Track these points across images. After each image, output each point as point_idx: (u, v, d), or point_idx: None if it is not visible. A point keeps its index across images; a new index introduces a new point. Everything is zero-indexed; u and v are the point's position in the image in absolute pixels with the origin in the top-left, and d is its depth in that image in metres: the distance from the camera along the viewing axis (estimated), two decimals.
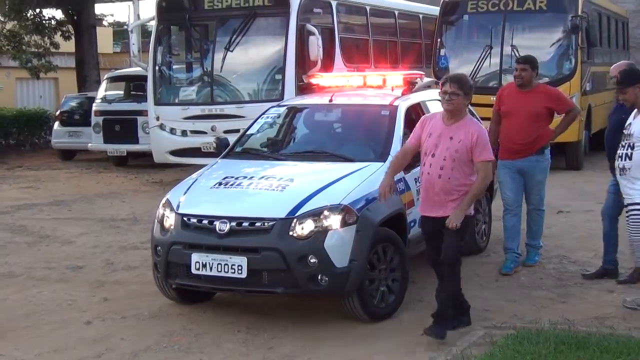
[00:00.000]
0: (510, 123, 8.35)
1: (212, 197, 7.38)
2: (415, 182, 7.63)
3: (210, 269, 6.68)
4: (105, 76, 21.83)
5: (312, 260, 6.52)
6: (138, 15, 28.63)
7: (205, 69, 15.25)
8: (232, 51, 14.67)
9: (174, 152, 15.07)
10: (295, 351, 6.33)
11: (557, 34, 16.64)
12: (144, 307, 7.56)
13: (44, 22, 26.65)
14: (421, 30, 19.68)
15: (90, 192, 15.57)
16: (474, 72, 16.32)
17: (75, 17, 26.21)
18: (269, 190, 7.10)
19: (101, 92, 20.69)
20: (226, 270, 6.62)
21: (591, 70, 17.17)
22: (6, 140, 24.64)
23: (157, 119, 15.26)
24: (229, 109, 14.25)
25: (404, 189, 7.54)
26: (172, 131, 14.91)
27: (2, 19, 26.31)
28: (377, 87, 8.90)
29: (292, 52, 14.16)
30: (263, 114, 9.05)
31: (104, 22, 36.46)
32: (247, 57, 14.83)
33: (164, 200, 7.40)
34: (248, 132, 8.78)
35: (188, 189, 7.52)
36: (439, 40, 17.58)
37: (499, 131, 8.49)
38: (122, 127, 19.17)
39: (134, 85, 20.08)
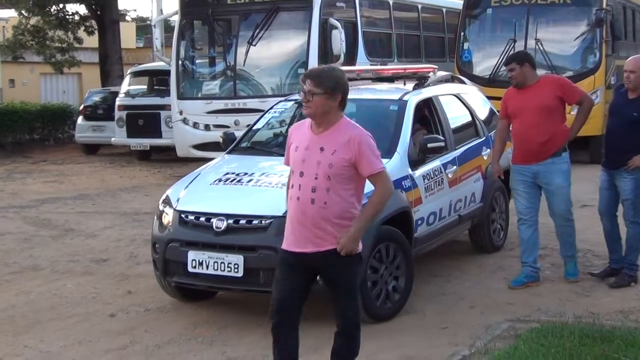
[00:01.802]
0: (521, 123, 7.68)
1: (210, 193, 7.18)
2: (424, 179, 7.47)
3: (207, 267, 6.53)
4: (129, 71, 21.93)
5: None
6: (161, 10, 28.62)
7: (228, 63, 15.31)
8: (254, 45, 14.70)
9: (197, 146, 15.09)
10: (319, 342, 6.25)
11: (581, 28, 16.56)
12: (167, 299, 7.56)
13: (67, 17, 26.81)
14: (444, 23, 19.64)
15: (114, 186, 15.65)
16: (497, 66, 16.24)
17: (99, 12, 26.32)
18: (269, 187, 6.90)
19: (124, 86, 20.78)
20: (222, 268, 6.47)
21: (616, 63, 17.00)
22: (30, 135, 24.76)
23: (180, 113, 15.32)
24: (252, 103, 14.23)
25: (410, 186, 7.27)
26: (195, 125, 14.96)
27: (26, 15, 26.47)
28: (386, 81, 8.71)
29: (315, 46, 14.17)
30: (271, 108, 8.94)
31: (127, 17, 36.51)
32: (269, 51, 14.84)
33: (163, 197, 7.29)
34: (255, 127, 8.62)
35: (188, 185, 7.38)
36: (462, 33, 17.55)
37: (504, 138, 8.05)
38: (145, 121, 19.26)
39: (157, 80, 20.16)
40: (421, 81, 8.50)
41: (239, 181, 7.12)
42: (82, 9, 27.29)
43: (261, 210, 6.58)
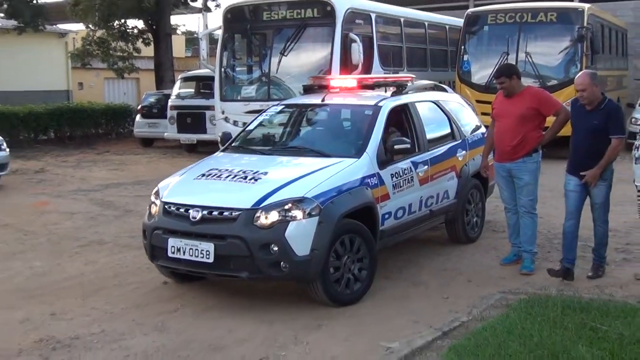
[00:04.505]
0: (500, 125, 7.57)
1: (192, 187, 6.90)
2: (392, 177, 7.17)
3: (184, 253, 6.33)
4: (179, 77, 21.95)
5: (274, 249, 6.04)
6: (206, 25, 28.69)
7: (263, 71, 15.29)
8: (286, 55, 14.69)
9: None
10: (320, 319, 6.16)
11: (565, 43, 16.44)
12: None
13: (128, 30, 26.94)
14: (447, 38, 19.52)
15: (167, 174, 15.30)
16: (491, 76, 16.14)
17: (154, 27, 26.37)
18: (242, 182, 6.63)
19: (175, 90, 20.79)
20: (196, 254, 6.25)
21: None
22: (96, 130, 24.86)
23: (223, 112, 15.34)
24: None
25: (377, 183, 6.93)
26: (235, 123, 14.92)
27: (93, 28, 26.61)
28: (370, 88, 8.42)
29: (337, 56, 14.13)
30: (264, 111, 8.67)
31: (178, 31, 36.55)
32: (298, 60, 14.80)
33: (155, 189, 7.06)
34: (248, 128, 8.33)
35: (177, 178, 7.17)
36: (462, 47, 17.47)
37: (493, 136, 7.81)
38: (192, 119, 19.27)
39: (203, 85, 20.13)
40: (399, 89, 8.17)
41: (219, 176, 6.86)
42: (140, 24, 27.41)
43: (232, 202, 6.32)
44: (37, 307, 6.60)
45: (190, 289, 7.07)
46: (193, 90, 20.92)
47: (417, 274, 7.48)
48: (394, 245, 7.65)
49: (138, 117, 22.28)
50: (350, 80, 8.72)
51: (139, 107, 22.86)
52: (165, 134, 20.22)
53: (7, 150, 14.25)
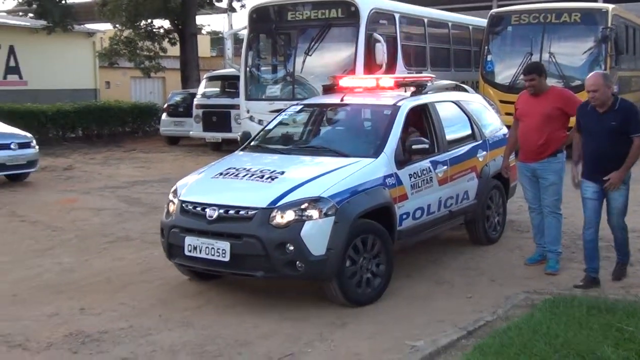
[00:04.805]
0: (524, 125, 7.44)
1: (209, 186, 6.88)
2: (410, 177, 7.06)
3: (200, 251, 6.30)
4: (205, 76, 22.03)
5: (289, 248, 6.00)
6: (231, 25, 28.81)
7: (287, 70, 15.28)
8: (310, 55, 14.66)
9: None
10: (343, 318, 6.12)
11: (589, 43, 16.23)
12: None
13: (154, 30, 27.12)
14: (471, 38, 19.39)
15: (192, 172, 15.64)
16: (515, 76, 16.09)
17: (180, 27, 26.48)
18: (259, 181, 6.56)
19: (201, 89, 20.87)
20: (212, 253, 6.22)
21: (618, 74, 16.70)
22: (123, 128, 25.02)
23: (248, 111, 15.35)
24: None
25: (394, 183, 6.83)
26: (260, 122, 14.87)
27: (120, 28, 26.80)
28: (389, 88, 8.21)
29: (361, 56, 14.09)
30: (283, 111, 8.61)
31: (203, 31, 36.65)
32: (322, 60, 14.77)
33: (173, 187, 7.04)
34: (267, 128, 8.28)
35: (196, 177, 7.15)
36: (486, 47, 17.34)
37: (516, 136, 7.72)
38: (218, 118, 19.33)
39: (228, 84, 20.18)
40: (419, 89, 8.07)
41: (236, 175, 6.80)
42: (166, 24, 27.56)
43: (248, 202, 6.27)
44: (66, 303, 6.64)
45: (214, 285, 7.07)
46: (218, 89, 20.97)
47: (441, 273, 7.43)
48: (414, 246, 7.60)
49: (164, 116, 22.38)
50: (370, 80, 8.60)
51: (165, 105, 22.98)
52: (191, 132, 20.30)
53: (37, 147, 14.39)
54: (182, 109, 21.74)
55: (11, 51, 28.28)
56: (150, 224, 10.04)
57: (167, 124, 22.12)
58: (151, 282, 7.29)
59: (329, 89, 8.67)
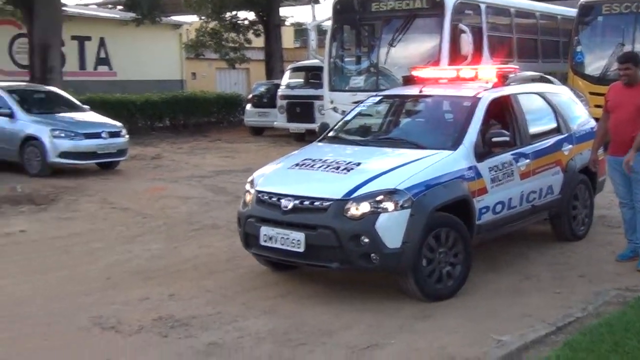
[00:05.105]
0: (616, 117, 7.28)
1: (285, 176, 6.88)
2: (490, 171, 6.89)
3: (275, 241, 6.32)
4: (288, 67, 22.20)
5: (364, 240, 5.96)
6: (315, 16, 28.92)
7: (371, 61, 15.24)
8: (394, 46, 14.59)
9: None
10: (427, 310, 6.09)
11: None
12: None
13: (239, 22, 27.43)
14: (559, 29, 18.93)
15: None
16: (605, 67, 15.66)
17: (265, 18, 26.74)
18: (335, 172, 6.53)
19: (285, 80, 21.04)
20: (287, 243, 6.23)
21: None
22: (208, 118, 25.45)
23: (331, 102, 15.40)
24: None
25: (473, 176, 6.68)
26: (343, 113, 14.94)
27: (206, 20, 27.21)
28: (470, 79, 8.04)
29: (446, 47, 13.95)
30: (362, 102, 8.53)
31: (287, 22, 36.84)
32: (407, 51, 14.66)
33: (250, 178, 7.06)
34: (346, 119, 8.21)
35: (271, 168, 7.16)
36: (575, 38, 16.92)
37: (605, 128, 7.51)
38: (301, 109, 19.46)
39: (312, 75, 20.28)
40: (501, 80, 7.84)
41: (312, 166, 6.78)
42: (251, 16, 27.84)
43: (323, 193, 6.26)
44: (156, 288, 6.82)
45: (295, 275, 7.12)
46: (302, 80, 21.09)
47: (528, 268, 7.30)
48: (497, 240, 7.48)
49: (248, 106, 22.66)
50: (450, 71, 8.48)
51: (250, 96, 23.26)
52: (275, 123, 20.50)
53: (127, 136, 14.80)
54: (266, 100, 21.98)
55: (101, 43, 29.15)
56: (235, 213, 10.06)
57: (251, 115, 22.40)
58: (236, 270, 7.40)
59: (408, 80, 8.57)
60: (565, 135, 8.32)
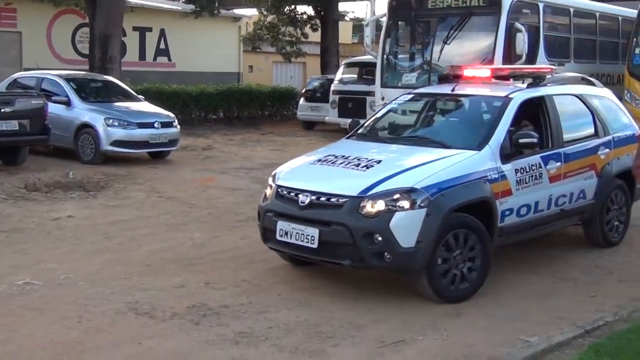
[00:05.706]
0: None
1: (305, 172, 6.88)
2: (516, 172, 6.77)
3: (290, 236, 6.34)
4: (343, 62, 22.28)
5: (377, 238, 5.92)
6: (374, 12, 28.90)
7: (425, 59, 15.14)
8: (449, 44, 14.47)
9: None
10: (459, 308, 6.12)
11: None
12: None
13: (297, 16, 27.58)
14: (619, 30, 18.56)
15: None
16: None
17: (322, 13, 26.83)
18: (354, 169, 6.50)
19: (339, 75, 21.12)
20: (302, 239, 6.24)
21: None
22: (262, 111, 25.67)
23: (382, 99, 15.36)
24: None
25: (497, 177, 6.56)
26: None
27: (265, 13, 27.47)
28: (506, 79, 7.99)
29: (501, 46, 13.79)
30: (394, 100, 8.43)
31: (346, 18, 36.97)
32: (461, 49, 14.54)
33: (273, 172, 7.08)
34: (376, 116, 8.13)
35: (294, 163, 7.14)
36: (634, 40, 16.56)
37: None
38: (353, 104, 19.51)
39: (366, 71, 20.31)
40: (536, 80, 7.77)
41: (333, 162, 6.76)
42: (309, 10, 27.97)
43: (340, 189, 6.25)
44: (193, 276, 6.97)
45: (327, 269, 7.11)
46: (355, 75, 21.13)
47: (566, 271, 7.26)
48: (538, 241, 7.42)
49: (302, 101, 22.81)
50: (484, 70, 8.37)
51: (304, 90, 23.39)
52: (327, 117, 20.60)
53: (178, 127, 15.07)
54: (319, 94, 22.08)
55: (162, 34, 29.63)
56: None
57: (304, 109, 22.55)
58: (272, 262, 7.45)
59: (444, 79, 8.51)
60: (603, 138, 8.13)
